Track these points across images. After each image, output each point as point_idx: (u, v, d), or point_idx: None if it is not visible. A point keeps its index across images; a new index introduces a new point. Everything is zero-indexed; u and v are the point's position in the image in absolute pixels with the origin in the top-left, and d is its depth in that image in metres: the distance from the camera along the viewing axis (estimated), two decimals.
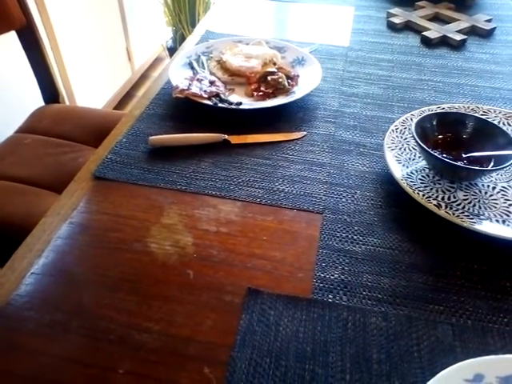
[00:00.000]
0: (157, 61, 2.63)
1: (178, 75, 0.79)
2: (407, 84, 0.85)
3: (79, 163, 0.97)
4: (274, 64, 0.83)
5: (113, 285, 0.48)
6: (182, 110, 0.76)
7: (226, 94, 0.77)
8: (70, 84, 1.78)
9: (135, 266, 0.51)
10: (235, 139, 0.69)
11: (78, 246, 0.53)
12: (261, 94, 0.77)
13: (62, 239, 0.53)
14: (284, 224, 0.56)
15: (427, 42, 1.00)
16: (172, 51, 2.48)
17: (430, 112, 0.67)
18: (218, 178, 0.63)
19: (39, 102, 1.24)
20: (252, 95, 0.77)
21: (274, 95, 0.77)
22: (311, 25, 1.08)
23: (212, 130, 0.69)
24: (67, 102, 1.68)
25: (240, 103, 0.74)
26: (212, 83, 0.77)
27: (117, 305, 0.47)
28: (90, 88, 1.94)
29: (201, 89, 0.75)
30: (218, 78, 0.80)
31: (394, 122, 0.70)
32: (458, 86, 0.85)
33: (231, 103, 0.73)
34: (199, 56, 0.86)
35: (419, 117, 0.63)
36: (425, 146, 0.57)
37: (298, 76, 0.80)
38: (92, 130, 1.13)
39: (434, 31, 1.01)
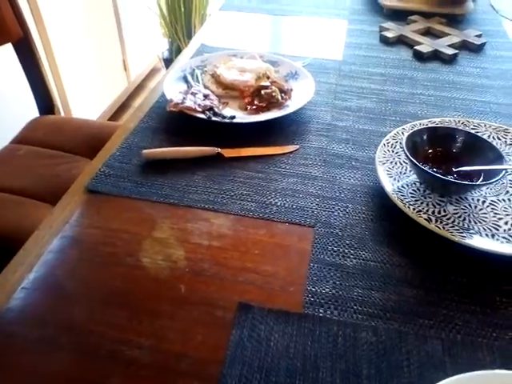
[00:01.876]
0: (153, 71, 2.65)
1: (172, 89, 0.80)
2: (399, 98, 0.86)
3: (73, 174, 0.97)
4: (268, 78, 0.84)
5: (104, 299, 0.48)
6: (176, 123, 0.77)
7: (220, 107, 0.77)
8: (65, 95, 1.79)
9: (127, 280, 0.51)
10: (228, 153, 0.69)
11: (70, 260, 0.53)
12: (254, 107, 0.77)
13: (53, 253, 0.53)
14: (276, 238, 0.56)
15: (419, 56, 1.01)
16: (168, 62, 2.50)
17: (420, 126, 0.68)
18: (211, 191, 0.63)
19: (34, 113, 1.25)
20: (246, 109, 0.78)
21: (267, 109, 0.77)
22: (305, 39, 1.09)
23: (205, 143, 0.70)
24: (62, 113, 1.68)
25: (233, 117, 0.74)
26: (206, 97, 0.78)
27: (107, 320, 0.46)
28: (86, 99, 1.95)
29: (195, 102, 0.75)
30: (212, 92, 0.81)
31: (386, 135, 0.71)
32: (449, 100, 0.86)
33: (225, 117, 0.74)
34: (194, 70, 0.87)
35: (410, 131, 0.64)
36: (415, 161, 0.58)
37: (291, 90, 0.81)
38: (86, 141, 1.13)
39: (426, 45, 1.02)
